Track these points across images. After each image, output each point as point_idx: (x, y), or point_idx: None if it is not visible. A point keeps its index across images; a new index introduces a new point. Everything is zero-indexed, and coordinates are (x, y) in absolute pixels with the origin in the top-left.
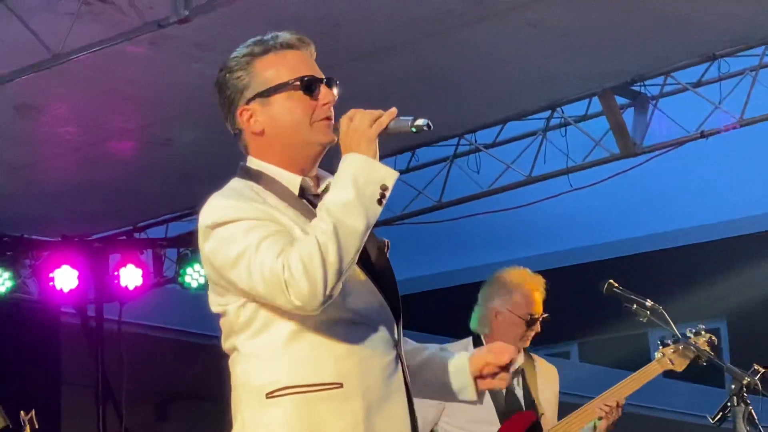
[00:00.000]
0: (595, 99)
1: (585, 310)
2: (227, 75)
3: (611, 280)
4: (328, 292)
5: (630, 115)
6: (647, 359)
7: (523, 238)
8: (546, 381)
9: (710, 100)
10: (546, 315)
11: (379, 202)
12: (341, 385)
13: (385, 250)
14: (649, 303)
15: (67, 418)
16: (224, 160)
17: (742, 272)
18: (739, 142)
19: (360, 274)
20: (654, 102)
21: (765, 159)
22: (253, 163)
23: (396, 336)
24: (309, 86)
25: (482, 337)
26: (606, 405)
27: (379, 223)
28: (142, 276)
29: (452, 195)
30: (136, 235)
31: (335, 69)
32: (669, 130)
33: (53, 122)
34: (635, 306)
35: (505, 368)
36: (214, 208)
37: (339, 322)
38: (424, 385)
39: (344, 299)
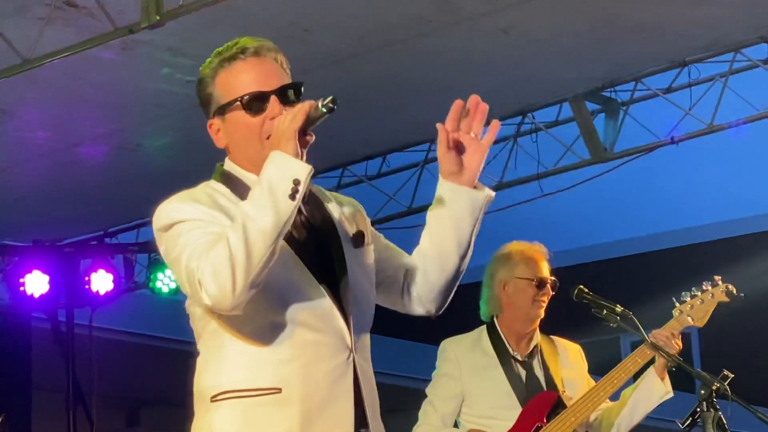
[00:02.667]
0: (566, 105)
1: (556, 315)
2: (198, 87)
3: (581, 286)
4: (238, 292)
5: (601, 121)
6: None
7: (493, 243)
8: (569, 360)
9: (680, 106)
10: (554, 279)
11: (292, 197)
12: (280, 390)
13: (358, 242)
14: (619, 308)
15: (38, 423)
16: (195, 165)
17: (712, 277)
18: (710, 149)
19: (305, 275)
20: (625, 108)
21: (735, 164)
22: (226, 164)
23: (348, 338)
24: (250, 104)
25: (495, 320)
26: (661, 338)
27: None
28: (113, 281)
29: (423, 200)
30: (107, 240)
31: (306, 74)
32: (640, 136)
33: (24, 127)
34: (605, 311)
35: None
36: (161, 213)
37: (280, 326)
38: (452, 234)
39: (286, 302)
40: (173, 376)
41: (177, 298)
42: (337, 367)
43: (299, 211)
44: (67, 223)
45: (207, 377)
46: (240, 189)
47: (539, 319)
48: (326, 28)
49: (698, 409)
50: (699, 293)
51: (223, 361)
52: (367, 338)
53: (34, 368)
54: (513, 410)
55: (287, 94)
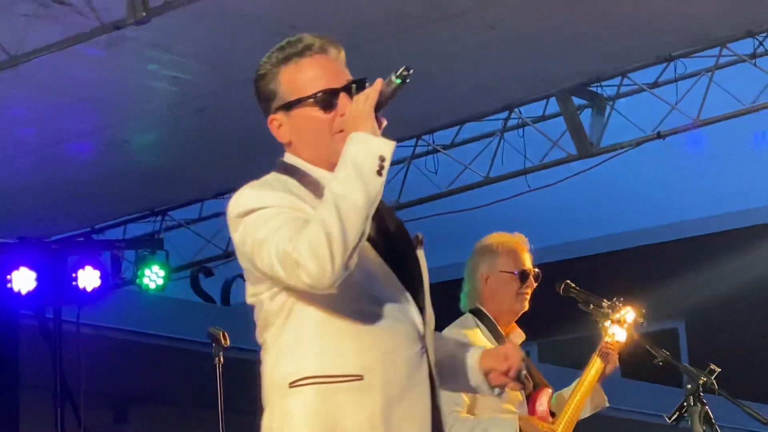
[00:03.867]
0: (553, 100)
1: (543, 310)
2: (258, 83)
3: (568, 281)
4: (337, 268)
5: (587, 116)
6: None
7: (479, 239)
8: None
9: (667, 100)
10: (537, 270)
11: (379, 173)
12: (362, 378)
13: (417, 244)
14: (605, 303)
15: (26, 421)
16: (181, 161)
17: (699, 273)
18: (696, 143)
19: (385, 268)
20: (611, 103)
21: (722, 159)
22: (287, 158)
23: (422, 330)
24: (324, 101)
25: (482, 308)
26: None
27: None
28: (100, 278)
29: (410, 196)
30: (94, 236)
31: None
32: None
33: (10, 124)
34: (592, 306)
35: (509, 373)
36: (240, 199)
37: (363, 314)
38: (449, 378)
39: (369, 292)
40: (161, 373)
41: (164, 294)
42: (414, 356)
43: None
44: (54, 220)
45: (284, 365)
46: (306, 181)
47: (522, 312)
48: (313, 24)
49: (685, 404)
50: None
51: (302, 348)
52: (432, 329)
53: (21, 366)
54: (521, 407)
55: (353, 90)
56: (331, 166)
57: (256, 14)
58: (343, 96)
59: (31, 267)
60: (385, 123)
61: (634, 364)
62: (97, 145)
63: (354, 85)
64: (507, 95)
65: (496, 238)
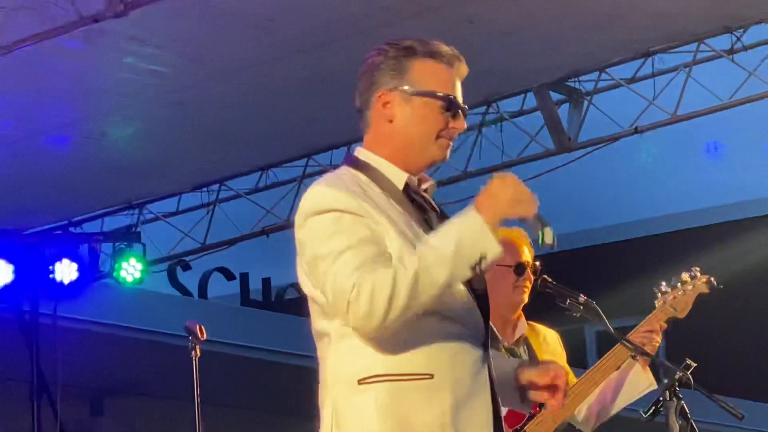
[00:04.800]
0: (531, 94)
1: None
2: (383, 56)
3: (545, 276)
4: (387, 323)
5: (565, 111)
6: (584, 354)
7: None
8: (549, 347)
9: (644, 96)
10: (536, 262)
11: (473, 268)
12: (432, 376)
13: None
14: (582, 298)
15: (2, 413)
16: (159, 155)
17: (676, 267)
18: (673, 138)
19: None
20: (589, 98)
21: (700, 155)
22: (362, 154)
23: (484, 334)
24: (451, 107)
25: None
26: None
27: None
28: (78, 271)
29: None
30: (72, 229)
31: (269, 64)
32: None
33: None
34: (569, 302)
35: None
36: (314, 195)
37: (433, 315)
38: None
39: (441, 295)
40: (138, 366)
41: (141, 287)
42: (478, 359)
43: (443, 214)
44: (31, 213)
45: (352, 361)
46: (377, 178)
47: (523, 305)
48: (290, 17)
49: (661, 399)
50: (679, 284)
51: (374, 345)
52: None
53: None
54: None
55: (464, 115)
56: (414, 164)
57: (233, 7)
58: (461, 115)
59: (8, 260)
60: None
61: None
62: (75, 138)
63: (465, 111)
64: (485, 90)
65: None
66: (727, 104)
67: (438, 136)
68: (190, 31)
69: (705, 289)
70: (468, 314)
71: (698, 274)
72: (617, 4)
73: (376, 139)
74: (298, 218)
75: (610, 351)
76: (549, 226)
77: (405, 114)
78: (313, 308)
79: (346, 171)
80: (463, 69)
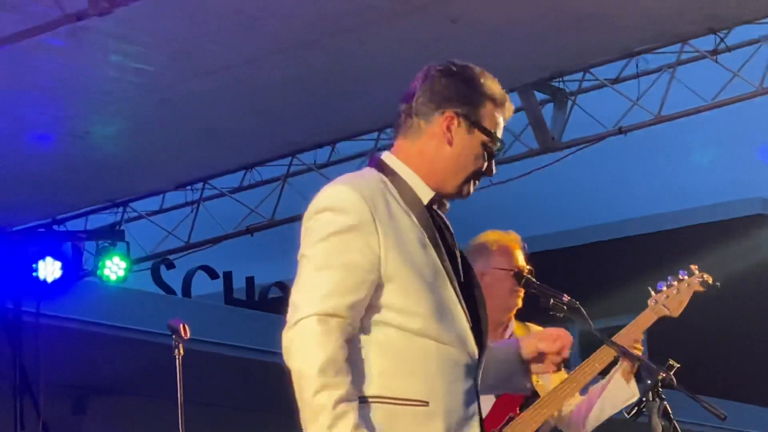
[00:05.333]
0: (514, 94)
1: None
2: (470, 79)
3: (528, 276)
4: (284, 346)
5: (549, 111)
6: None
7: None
8: None
9: (628, 96)
10: (530, 268)
11: None
12: (427, 404)
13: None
14: (566, 298)
15: None
16: (143, 153)
17: (659, 268)
18: (657, 139)
19: (456, 299)
20: (573, 98)
21: (682, 156)
22: (391, 160)
23: (477, 366)
24: (492, 150)
25: None
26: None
27: None
28: (61, 269)
29: None
30: (55, 227)
31: (254, 63)
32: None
33: None
34: (552, 301)
35: (561, 353)
36: (331, 193)
37: (432, 341)
38: (488, 387)
39: (440, 320)
40: (121, 365)
41: (125, 285)
42: (470, 388)
43: (449, 233)
44: (15, 210)
45: (352, 377)
46: (402, 188)
47: (516, 309)
48: (275, 16)
49: (644, 399)
50: (675, 282)
51: (373, 366)
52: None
53: None
54: (486, 401)
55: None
56: (438, 188)
57: (218, 5)
58: (493, 162)
59: None
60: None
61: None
62: (59, 136)
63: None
64: None
65: (490, 236)
66: (711, 105)
67: (471, 172)
68: (175, 30)
69: (699, 287)
70: (464, 342)
71: (696, 272)
72: (601, 4)
73: (420, 153)
74: (308, 210)
75: (595, 353)
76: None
77: (464, 143)
78: None
79: (371, 173)
80: (509, 110)
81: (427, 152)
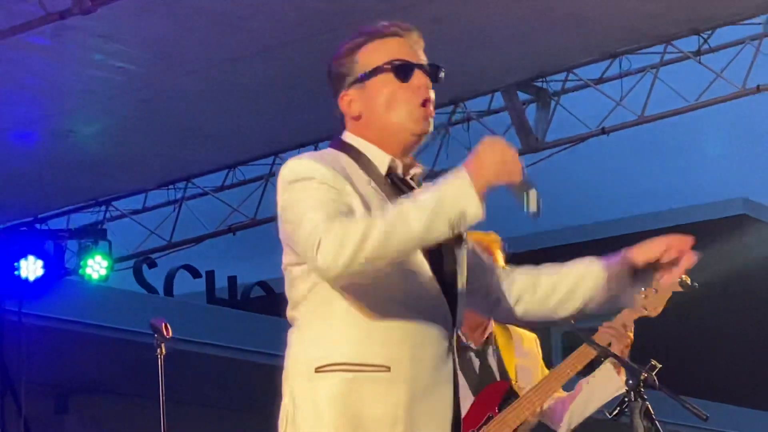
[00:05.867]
0: (498, 94)
1: None
2: (333, 63)
3: None
4: (349, 270)
5: (532, 111)
6: (550, 355)
7: None
8: (523, 349)
9: (612, 97)
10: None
11: (450, 225)
12: (389, 369)
13: (459, 243)
14: None
15: None
16: (125, 152)
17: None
18: (640, 139)
19: (425, 265)
20: (556, 98)
21: (667, 156)
22: (347, 137)
23: (450, 329)
24: (400, 70)
25: None
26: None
27: None
28: (43, 267)
29: None
30: (38, 226)
31: (239, 62)
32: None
33: None
34: None
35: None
36: (292, 166)
37: (396, 307)
38: (590, 299)
39: (405, 285)
40: (103, 364)
41: (107, 284)
42: (441, 353)
43: None
44: None
45: (312, 348)
46: (361, 160)
47: None
48: (258, 15)
49: (626, 399)
50: (653, 282)
51: (332, 333)
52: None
53: None
54: (465, 400)
55: (431, 73)
56: (397, 144)
57: (201, 5)
58: (419, 72)
59: None
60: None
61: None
62: (42, 135)
63: (431, 68)
64: (452, 89)
65: (470, 236)
66: (694, 105)
67: (409, 107)
68: (158, 29)
69: (678, 288)
70: (435, 306)
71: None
72: (585, 5)
73: (356, 131)
74: (279, 185)
75: (575, 351)
76: (534, 189)
77: (366, 102)
78: (288, 294)
79: (329, 151)
80: (415, 35)
81: (358, 128)
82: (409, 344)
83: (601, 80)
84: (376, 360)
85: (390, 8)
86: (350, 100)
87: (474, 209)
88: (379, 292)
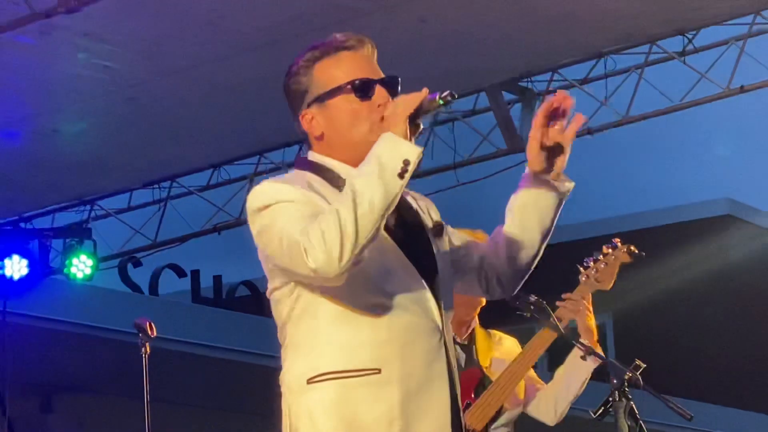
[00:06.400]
0: (483, 94)
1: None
2: (289, 80)
3: None
4: (344, 261)
5: (517, 111)
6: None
7: None
8: (502, 347)
9: (596, 97)
10: None
11: (401, 176)
12: (379, 371)
13: (438, 233)
14: (533, 298)
15: None
16: (110, 151)
17: (627, 269)
18: (625, 139)
19: (403, 259)
20: (541, 98)
21: (650, 156)
22: (312, 156)
23: (439, 322)
24: (361, 88)
25: None
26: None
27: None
28: (28, 266)
29: None
30: (22, 225)
31: (222, 61)
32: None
33: None
34: (518, 301)
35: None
36: (257, 193)
37: (379, 307)
38: (537, 223)
39: (385, 284)
40: (88, 363)
41: (92, 284)
42: (432, 348)
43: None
44: None
45: (301, 361)
46: (329, 177)
47: (480, 306)
48: (243, 15)
49: (610, 399)
50: (601, 256)
51: (318, 343)
52: (449, 322)
53: None
54: None
55: (390, 85)
56: (362, 159)
57: (186, 4)
58: (379, 88)
59: None
60: (420, 130)
61: (560, 357)
62: (27, 134)
63: (390, 81)
64: (437, 89)
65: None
66: (679, 106)
67: (370, 122)
68: (144, 28)
69: (626, 258)
70: (419, 301)
71: (619, 245)
72: (570, 5)
73: (320, 149)
74: (249, 216)
75: (538, 333)
76: (440, 93)
77: (329, 120)
78: (273, 301)
79: (294, 173)
80: (369, 47)
81: (323, 148)
82: (398, 343)
83: (585, 80)
84: (365, 364)
85: (376, 8)
86: (311, 119)
87: (410, 150)
88: (360, 296)
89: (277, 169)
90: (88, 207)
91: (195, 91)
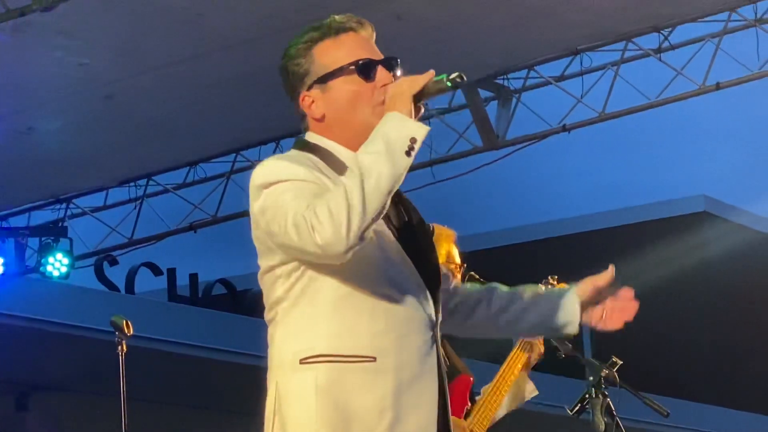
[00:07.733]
0: (459, 92)
1: None
2: (288, 62)
3: (472, 272)
4: (352, 237)
5: (493, 108)
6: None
7: None
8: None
9: (572, 94)
10: (464, 264)
11: (408, 153)
12: (375, 359)
13: (431, 234)
14: None
15: None
16: (86, 149)
17: (605, 266)
18: (601, 136)
19: (404, 256)
20: (517, 95)
21: (626, 153)
22: (311, 137)
23: (434, 319)
24: (364, 69)
25: None
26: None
27: None
28: (3, 265)
29: None
30: None
31: (199, 59)
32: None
33: None
34: None
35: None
36: (264, 169)
37: (380, 297)
38: (531, 326)
39: (387, 275)
40: (64, 361)
41: (68, 282)
42: (426, 342)
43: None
44: None
45: (296, 340)
46: (329, 159)
47: None
48: (220, 13)
49: (587, 396)
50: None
51: (317, 325)
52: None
53: None
54: None
55: (391, 66)
56: (362, 142)
57: (163, 2)
58: (381, 69)
59: None
60: (422, 111)
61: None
62: (2, 132)
63: (391, 62)
64: None
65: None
66: (655, 103)
67: (373, 104)
68: (120, 25)
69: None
70: (416, 295)
71: (555, 284)
72: (546, 2)
73: (320, 131)
74: (252, 191)
75: (517, 344)
76: (448, 75)
77: (330, 102)
78: (266, 296)
79: (295, 152)
80: (369, 29)
81: (322, 129)
82: (395, 334)
83: (562, 78)
84: (361, 351)
85: (353, 5)
86: (312, 101)
87: (417, 128)
88: (362, 282)
89: (253, 168)
90: (63, 205)
91: (171, 89)
